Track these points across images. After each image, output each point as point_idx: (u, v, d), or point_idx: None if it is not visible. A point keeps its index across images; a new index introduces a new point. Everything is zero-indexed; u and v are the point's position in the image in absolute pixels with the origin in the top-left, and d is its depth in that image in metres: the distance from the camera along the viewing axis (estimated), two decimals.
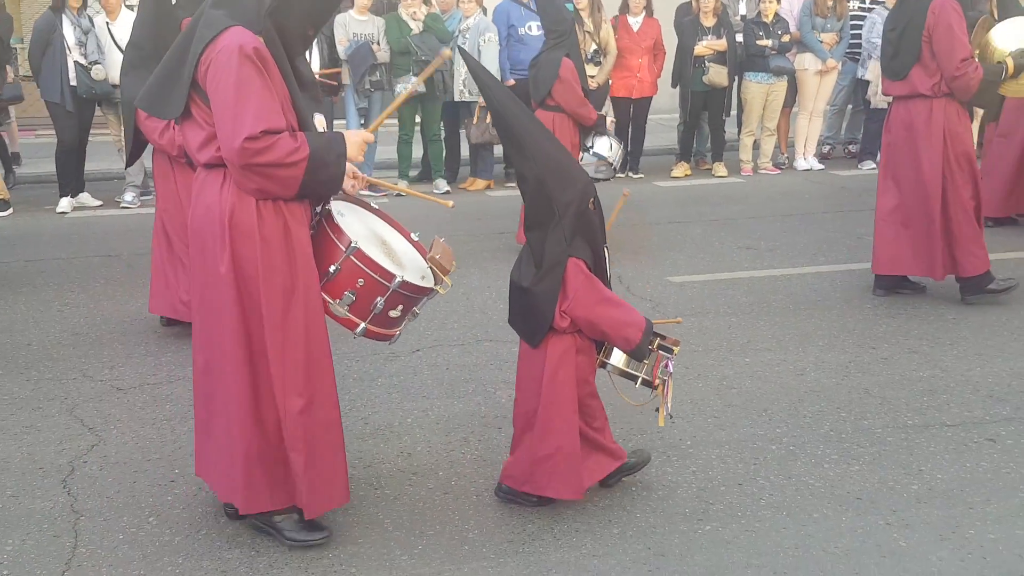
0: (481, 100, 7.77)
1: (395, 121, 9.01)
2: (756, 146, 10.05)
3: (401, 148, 9.28)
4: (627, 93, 9.56)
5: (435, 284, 3.27)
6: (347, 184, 3.12)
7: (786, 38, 9.37)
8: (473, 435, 4.03)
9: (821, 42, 9.55)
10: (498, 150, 9.07)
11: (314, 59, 8.32)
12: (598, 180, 6.20)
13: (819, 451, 3.86)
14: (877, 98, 9.42)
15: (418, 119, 9.21)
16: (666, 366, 3.32)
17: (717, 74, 9.27)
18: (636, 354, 3.27)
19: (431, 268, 3.27)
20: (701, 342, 5.07)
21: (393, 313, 3.20)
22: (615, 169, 7.06)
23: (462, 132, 9.41)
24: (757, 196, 8.94)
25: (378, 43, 8.71)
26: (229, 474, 3.11)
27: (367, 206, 3.50)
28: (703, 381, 4.58)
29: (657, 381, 3.32)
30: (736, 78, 9.80)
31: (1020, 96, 6.24)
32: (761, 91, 9.57)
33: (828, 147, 10.63)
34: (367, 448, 3.92)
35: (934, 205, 5.54)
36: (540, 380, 3.27)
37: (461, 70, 8.74)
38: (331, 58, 8.74)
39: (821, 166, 10.08)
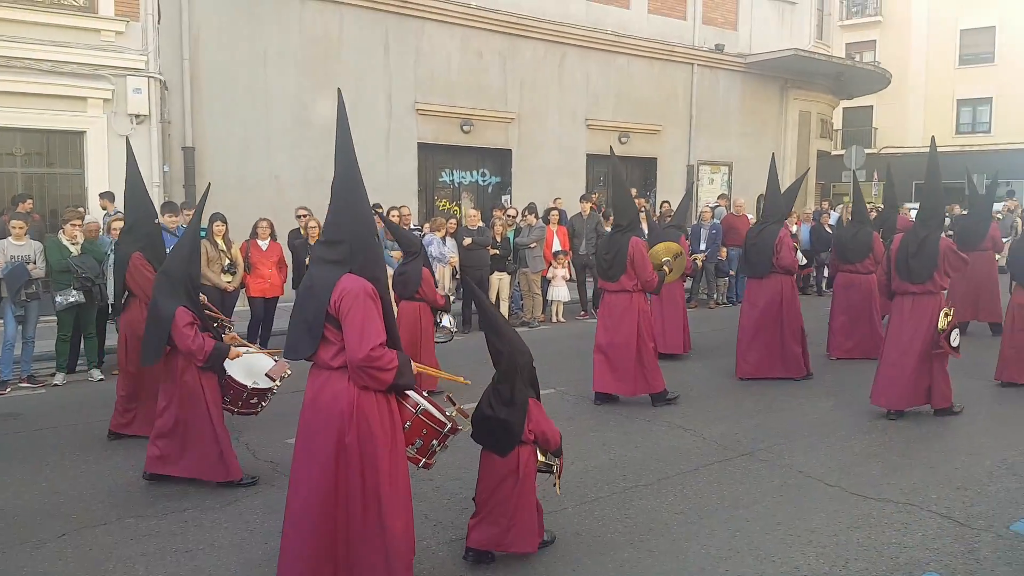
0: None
1: (54, 319, 10.14)
2: None
3: (59, 346, 10.32)
4: (261, 293, 12.03)
5: (459, 425, 4.91)
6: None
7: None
8: None
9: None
10: None
11: None
12: (439, 342, 9.43)
13: None
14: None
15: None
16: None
17: None
18: (556, 450, 5.20)
19: (457, 414, 4.96)
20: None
21: (440, 448, 4.83)
22: (453, 334, 10.09)
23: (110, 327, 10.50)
24: None
25: (34, 262, 9.85)
26: None
27: None
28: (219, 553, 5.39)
29: (555, 465, 5.25)
30: None
31: (673, 280, 10.43)
32: None
33: None
34: None
35: (631, 352, 8.85)
36: (516, 475, 4.99)
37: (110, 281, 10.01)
38: None
39: None
